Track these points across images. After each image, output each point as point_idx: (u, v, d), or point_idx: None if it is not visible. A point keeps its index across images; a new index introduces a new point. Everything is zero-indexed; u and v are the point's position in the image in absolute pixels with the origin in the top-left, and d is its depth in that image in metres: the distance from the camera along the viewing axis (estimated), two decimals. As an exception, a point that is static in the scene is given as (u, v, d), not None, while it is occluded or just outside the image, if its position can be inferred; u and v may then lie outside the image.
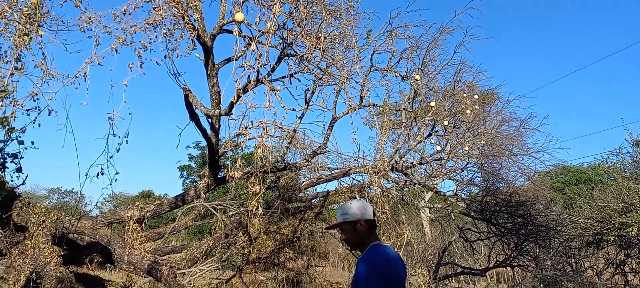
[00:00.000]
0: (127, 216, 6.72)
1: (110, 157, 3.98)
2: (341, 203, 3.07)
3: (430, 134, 9.23)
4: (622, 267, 9.61)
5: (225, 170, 7.35)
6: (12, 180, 3.26)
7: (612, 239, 11.22)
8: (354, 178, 10.68)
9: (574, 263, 10.51)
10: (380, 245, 2.92)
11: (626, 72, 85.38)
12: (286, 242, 9.65)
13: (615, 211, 11.37)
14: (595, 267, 8.98)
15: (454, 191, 9.64)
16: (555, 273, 6.69)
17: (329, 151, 8.95)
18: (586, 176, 24.60)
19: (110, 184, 4.05)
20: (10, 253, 6.88)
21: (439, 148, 9.35)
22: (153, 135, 76.50)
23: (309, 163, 9.00)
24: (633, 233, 10.24)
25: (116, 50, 4.10)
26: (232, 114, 4.94)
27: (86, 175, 3.85)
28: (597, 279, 6.60)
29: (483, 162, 9.42)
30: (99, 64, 4.04)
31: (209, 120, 5.80)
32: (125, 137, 4.24)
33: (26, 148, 3.15)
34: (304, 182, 10.57)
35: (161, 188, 70.65)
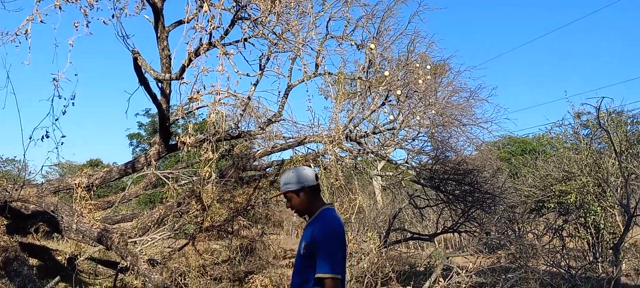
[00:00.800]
0: (75, 183, 6.52)
1: (56, 120, 3.83)
2: (283, 173, 3.12)
3: (383, 104, 9.36)
4: (560, 231, 10.19)
5: (177, 137, 7.22)
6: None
7: (552, 206, 11.87)
8: (308, 148, 10.74)
9: (517, 229, 11.07)
10: (329, 208, 2.99)
11: (571, 46, 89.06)
12: (240, 210, 9.64)
13: (556, 179, 12.01)
14: (535, 231, 9.49)
15: (405, 160, 9.87)
16: (499, 237, 7.03)
17: (284, 119, 8.94)
18: (531, 146, 25.72)
19: (56, 148, 3.90)
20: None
21: (391, 117, 9.52)
22: (101, 102, 73.82)
23: (264, 131, 8.97)
24: (571, 200, 10.87)
25: (60, 8, 3.90)
26: (183, 78, 4.83)
27: (30, 139, 3.69)
28: (536, 242, 7.00)
29: (433, 131, 9.67)
30: (41, 21, 3.84)
31: (159, 84, 5.66)
32: (71, 99, 4.07)
33: (-39, 108, 2.97)
34: (258, 150, 10.53)
35: (110, 157, 68.66)
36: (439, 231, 9.66)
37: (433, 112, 9.48)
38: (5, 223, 6.84)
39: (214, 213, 8.76)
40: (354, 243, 9.43)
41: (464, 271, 4.81)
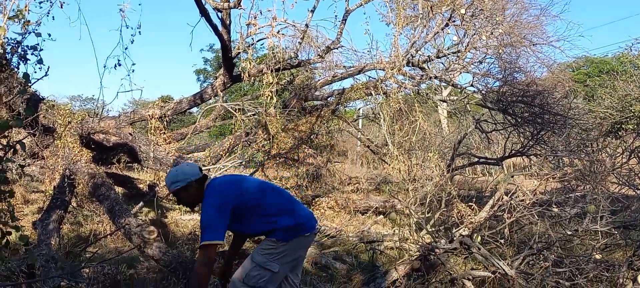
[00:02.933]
0: (149, 114, 6.93)
1: (126, 49, 4.06)
2: (168, 174, 3.18)
3: (447, 25, 9.03)
4: (638, 153, 9.65)
5: (240, 69, 7.41)
6: (34, 72, 3.38)
7: (630, 127, 11.20)
8: (369, 76, 10.68)
9: (591, 151, 10.59)
10: (209, 183, 3.14)
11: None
12: (304, 139, 9.87)
13: (636, 99, 11.25)
14: (609, 151, 9.03)
15: (471, 83, 9.58)
16: (568, 154, 6.79)
17: (342, 46, 8.88)
18: (609, 66, 24.00)
19: (128, 75, 4.16)
20: (43, 155, 7.25)
21: (456, 38, 9.18)
22: (166, 39, 76.23)
23: (323, 60, 8.98)
24: (652, 119, 10.19)
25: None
26: (241, 5, 4.90)
27: (104, 67, 3.96)
28: (609, 161, 6.69)
29: (501, 52, 9.26)
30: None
31: (219, 15, 5.78)
32: (137, 28, 4.28)
33: (44, 40, 3.23)
34: (319, 80, 10.61)
35: (179, 93, 71.57)
36: (506, 155, 9.44)
37: (500, 31, 9.04)
38: (91, 154, 7.46)
39: (280, 142, 9.04)
40: (418, 169, 9.47)
41: (529, 190, 4.74)
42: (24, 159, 6.78)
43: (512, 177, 5.27)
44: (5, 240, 2.36)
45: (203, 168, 7.30)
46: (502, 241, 4.32)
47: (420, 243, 4.98)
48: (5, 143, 2.48)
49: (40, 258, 4.06)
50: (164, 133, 7.17)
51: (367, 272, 5.15)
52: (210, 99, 7.67)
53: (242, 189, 3.11)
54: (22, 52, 3.07)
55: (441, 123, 17.21)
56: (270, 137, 8.83)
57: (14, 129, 2.83)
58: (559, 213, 4.45)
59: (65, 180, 6.28)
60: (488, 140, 9.82)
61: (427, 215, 6.45)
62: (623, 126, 11.52)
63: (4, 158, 2.36)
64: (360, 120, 16.83)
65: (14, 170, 6.01)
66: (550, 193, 5.52)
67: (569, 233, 4.56)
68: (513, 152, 9.52)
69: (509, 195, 4.60)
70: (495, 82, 9.92)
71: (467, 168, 11.66)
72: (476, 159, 10.03)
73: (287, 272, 3.13)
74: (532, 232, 4.61)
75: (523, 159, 12.70)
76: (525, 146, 9.18)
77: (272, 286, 3.05)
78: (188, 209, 5.25)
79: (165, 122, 7.17)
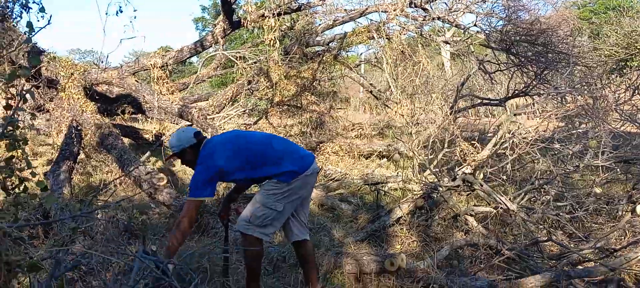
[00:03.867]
0: (151, 64, 6.92)
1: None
2: (169, 139, 3.38)
3: (449, -37, 8.82)
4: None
5: (240, 15, 7.32)
6: (37, 21, 3.36)
7: (635, 64, 11.10)
8: (370, 19, 10.53)
9: (594, 89, 10.54)
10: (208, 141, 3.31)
11: None
12: (307, 86, 9.86)
13: (642, 35, 11.10)
14: (612, 87, 8.99)
15: (474, 22, 9.46)
16: (570, 91, 6.79)
17: (344, -12, 8.73)
18: (616, 3, 23.49)
19: (131, 22, 4.13)
20: (48, 108, 7.29)
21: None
22: (166, -6, 74.66)
23: (324, 2, 8.84)
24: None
25: None
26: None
27: (106, 14, 3.93)
28: (612, 97, 6.70)
29: (505, -10, 9.08)
30: None
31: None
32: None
33: (43, -11, 3.20)
34: (319, 25, 10.48)
35: (178, 44, 70.90)
36: (509, 95, 9.43)
37: (504, -32, 8.84)
38: (96, 106, 7.50)
39: (283, 89, 9.04)
40: (420, 112, 9.50)
41: (531, 127, 4.79)
42: (34, 115, 6.84)
43: (515, 115, 5.30)
44: (23, 186, 2.43)
45: (207, 117, 7.35)
46: (504, 178, 4.41)
47: (423, 183, 5.08)
48: (14, 92, 2.51)
49: (55, 205, 4.18)
50: (167, 83, 7.17)
51: (372, 211, 5.28)
52: (211, 46, 7.63)
53: (238, 145, 3.26)
54: (24, 0, 3.05)
55: (444, 65, 17.08)
56: (273, 85, 8.82)
57: (20, 80, 2.86)
58: (561, 149, 4.51)
59: (73, 131, 6.35)
60: (491, 81, 9.79)
61: (430, 157, 6.54)
62: (628, 63, 11.44)
63: (15, 107, 2.40)
64: (362, 66, 16.70)
65: (25, 120, 6.08)
66: (553, 131, 5.56)
67: (571, 169, 4.64)
68: (516, 92, 9.49)
69: (511, 132, 4.65)
70: (498, 21, 9.79)
71: (470, 111, 11.67)
72: (479, 100, 10.03)
73: (293, 209, 3.26)
74: (533, 169, 4.69)
75: (526, 99, 12.69)
76: (529, 86, 9.15)
77: (278, 223, 3.20)
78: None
79: (167, 72, 7.16)
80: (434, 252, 3.89)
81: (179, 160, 3.37)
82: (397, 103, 10.64)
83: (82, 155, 7.09)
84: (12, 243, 1.31)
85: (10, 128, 2.52)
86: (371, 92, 14.07)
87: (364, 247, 4.38)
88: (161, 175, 5.75)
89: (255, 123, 9.27)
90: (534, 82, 9.15)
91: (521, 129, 4.66)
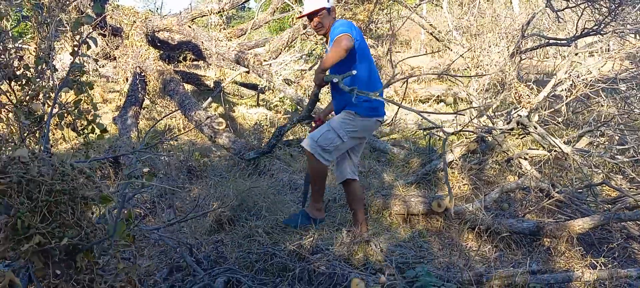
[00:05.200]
0: (208, 10, 7.07)
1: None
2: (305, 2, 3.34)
3: None
4: None
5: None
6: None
7: None
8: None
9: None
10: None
11: None
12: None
13: None
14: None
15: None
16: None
17: None
18: None
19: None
20: (114, 55, 7.68)
21: None
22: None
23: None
24: None
25: None
26: None
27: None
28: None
29: None
30: None
31: None
32: None
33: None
34: (377, -37, 10.16)
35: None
36: (578, 34, 8.87)
37: None
38: (158, 53, 7.82)
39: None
40: (483, 54, 9.15)
41: (593, 67, 4.53)
42: (96, 61, 7.23)
43: (576, 55, 5.02)
44: (91, 128, 2.66)
45: (264, 62, 7.47)
46: (559, 121, 4.25)
47: (477, 126, 5.00)
48: (78, 39, 2.69)
49: (120, 145, 4.50)
50: (224, 29, 7.32)
51: (424, 155, 5.29)
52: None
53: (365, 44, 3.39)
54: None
55: (512, 3, 16.16)
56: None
57: (85, 27, 3.06)
58: (625, 91, 4.26)
59: (137, 78, 6.69)
60: (557, 19, 9.22)
61: (488, 100, 6.38)
62: None
63: (79, 53, 2.59)
64: (424, 7, 16.14)
65: (91, 65, 6.46)
66: (618, 72, 5.24)
67: (637, 111, 4.40)
68: (586, 31, 8.92)
69: (569, 73, 4.43)
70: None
71: (536, 51, 11.09)
72: (546, 40, 9.51)
73: (350, 147, 3.37)
74: (593, 112, 4.48)
75: (597, 38, 11.86)
76: (600, 23, 8.57)
77: (336, 153, 3.35)
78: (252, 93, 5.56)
79: (224, 18, 7.30)
80: (484, 194, 3.88)
81: (308, 21, 3.44)
82: (458, 44, 10.31)
83: (147, 101, 7.49)
84: (86, 179, 1.48)
85: (77, 73, 2.75)
86: (432, 33, 13.64)
87: (413, 190, 4.43)
88: (221, 119, 6.00)
89: (311, 68, 9.33)
90: (606, 19, 8.55)
91: (582, 69, 4.42)
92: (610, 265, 2.84)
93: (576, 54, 4.94)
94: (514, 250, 3.36)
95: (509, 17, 11.76)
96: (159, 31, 7.43)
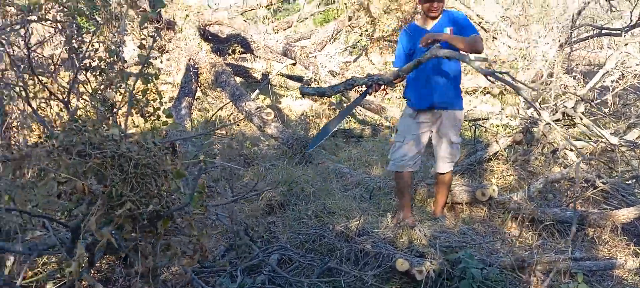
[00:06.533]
0: (258, 4, 7.31)
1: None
2: None
3: None
4: None
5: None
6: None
7: None
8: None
9: None
10: None
11: None
12: (408, 19, 9.73)
13: None
14: None
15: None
16: None
17: None
18: None
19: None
20: (167, 49, 8.05)
21: None
22: None
23: None
24: None
25: None
26: None
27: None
28: None
29: None
30: None
31: None
32: None
33: None
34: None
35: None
36: (634, 23, 8.58)
37: None
38: (210, 45, 8.13)
39: (383, 24, 9.03)
40: (531, 45, 8.99)
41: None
42: (161, 51, 7.60)
43: (626, 45, 4.92)
44: (157, 115, 2.91)
45: (309, 55, 7.64)
46: (606, 112, 4.21)
47: (523, 117, 5.01)
48: (146, 33, 2.94)
49: (176, 133, 4.79)
50: (272, 22, 7.54)
51: (469, 146, 5.33)
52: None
53: None
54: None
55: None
56: (373, 20, 8.84)
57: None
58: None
59: (191, 70, 7.01)
60: (610, 8, 8.95)
61: (535, 92, 6.32)
62: None
63: (148, 46, 2.84)
64: (471, -5, 15.89)
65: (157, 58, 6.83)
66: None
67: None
68: (641, 20, 8.62)
69: (618, 63, 4.37)
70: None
71: (589, 42, 10.77)
72: (598, 30, 9.24)
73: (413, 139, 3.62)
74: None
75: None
76: (657, 13, 8.26)
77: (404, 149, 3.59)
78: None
79: (272, 11, 7.52)
80: (528, 185, 3.92)
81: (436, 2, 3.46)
82: (505, 35, 10.17)
83: (199, 92, 7.82)
84: (165, 156, 1.69)
85: (145, 65, 3.01)
86: (479, 24, 13.44)
87: (457, 179, 4.51)
88: (269, 110, 6.24)
89: (355, 60, 9.45)
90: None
91: (633, 60, 4.35)
92: (655, 255, 2.86)
93: (626, 44, 4.85)
94: (557, 239, 3.41)
95: (559, 6, 11.47)
96: (210, 25, 7.74)
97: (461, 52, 3.15)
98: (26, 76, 2.46)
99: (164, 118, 2.87)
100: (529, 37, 8.91)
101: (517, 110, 6.09)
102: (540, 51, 8.54)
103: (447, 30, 3.41)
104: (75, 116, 2.07)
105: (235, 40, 8.60)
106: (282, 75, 10.53)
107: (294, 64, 8.45)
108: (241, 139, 6.13)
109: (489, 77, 2.70)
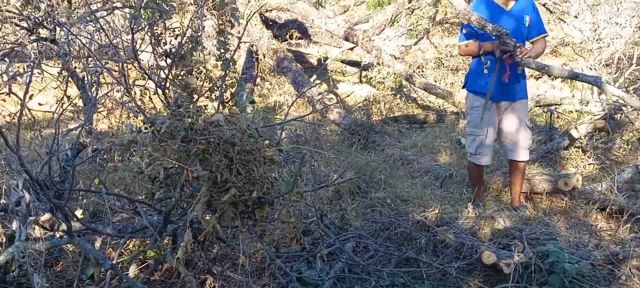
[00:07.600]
0: (318, -11, 7.24)
1: None
2: None
3: None
4: None
5: None
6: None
7: None
8: None
9: None
10: None
11: None
12: (467, 1, 9.42)
13: None
14: None
15: None
16: None
17: None
18: None
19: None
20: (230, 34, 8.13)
21: None
22: None
23: None
24: None
25: None
26: None
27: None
28: None
29: None
30: None
31: None
32: None
33: None
34: None
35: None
36: None
37: None
38: (270, 31, 8.15)
39: (446, 6, 8.75)
40: (604, 26, 8.46)
41: None
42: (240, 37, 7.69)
43: None
44: (234, 99, 2.92)
45: (369, 39, 7.51)
46: None
47: (605, 103, 4.71)
48: (223, 21, 2.94)
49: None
50: (331, 5, 7.46)
51: (544, 133, 5.08)
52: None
53: None
54: None
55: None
56: (435, 2, 8.59)
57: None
58: None
59: (253, 56, 7.06)
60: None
61: (614, 75, 5.95)
62: None
63: (225, 33, 2.84)
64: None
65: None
66: None
67: None
68: None
69: None
70: None
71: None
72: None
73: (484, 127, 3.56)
74: None
75: None
76: None
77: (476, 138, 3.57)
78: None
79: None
80: (614, 174, 3.68)
81: None
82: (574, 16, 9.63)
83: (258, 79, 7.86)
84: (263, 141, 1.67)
85: (223, 50, 3.03)
86: (544, 5, 12.81)
87: (534, 168, 4.30)
88: (331, 95, 6.19)
89: (416, 44, 9.22)
90: None
91: None
92: None
93: None
94: (650, 233, 3.18)
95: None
96: (270, 10, 7.75)
97: None
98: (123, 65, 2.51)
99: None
100: (604, 18, 8.38)
101: (591, 95, 5.75)
102: (613, 32, 8.04)
103: (527, 18, 3.39)
104: (178, 102, 2.08)
105: (292, 26, 8.58)
106: (339, 61, 10.45)
107: (352, 49, 8.34)
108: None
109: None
